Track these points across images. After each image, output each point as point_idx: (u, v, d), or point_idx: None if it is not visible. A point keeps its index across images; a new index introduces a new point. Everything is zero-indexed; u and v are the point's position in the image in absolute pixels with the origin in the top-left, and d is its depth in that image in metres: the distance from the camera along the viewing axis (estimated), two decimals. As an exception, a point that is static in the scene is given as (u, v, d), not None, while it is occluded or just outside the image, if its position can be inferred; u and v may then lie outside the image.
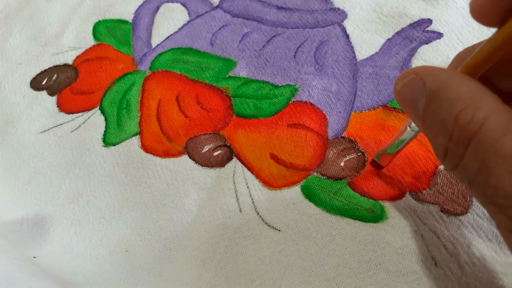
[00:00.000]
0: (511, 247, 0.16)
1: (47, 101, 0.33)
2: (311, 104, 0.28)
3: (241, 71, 0.31)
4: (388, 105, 0.28)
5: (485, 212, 0.22)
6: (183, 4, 0.36)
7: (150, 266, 0.25)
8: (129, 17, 0.36)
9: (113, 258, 0.26)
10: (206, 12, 0.35)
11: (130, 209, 0.27)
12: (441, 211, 0.23)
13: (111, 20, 0.36)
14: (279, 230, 0.24)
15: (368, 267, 0.22)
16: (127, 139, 0.30)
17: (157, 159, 0.28)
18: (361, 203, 0.24)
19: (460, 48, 0.28)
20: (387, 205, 0.24)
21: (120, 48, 0.34)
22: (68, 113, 0.32)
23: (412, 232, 0.23)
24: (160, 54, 0.33)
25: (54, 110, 0.32)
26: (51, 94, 0.33)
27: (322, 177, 0.25)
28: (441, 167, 0.24)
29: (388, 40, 0.30)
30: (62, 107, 0.32)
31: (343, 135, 0.27)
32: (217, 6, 0.35)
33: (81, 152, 0.30)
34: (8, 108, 0.33)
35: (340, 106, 0.28)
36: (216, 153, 0.28)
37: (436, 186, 0.24)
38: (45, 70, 0.35)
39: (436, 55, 0.29)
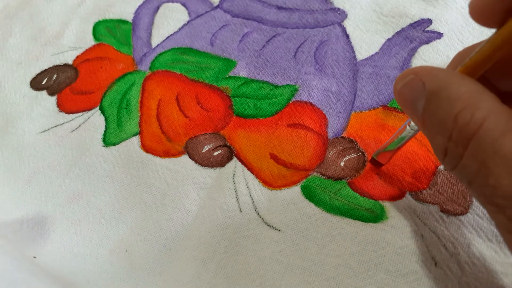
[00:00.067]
0: (510, 247, 0.16)
1: (47, 101, 0.33)
2: (311, 104, 0.28)
3: (241, 71, 0.31)
4: (388, 105, 0.28)
5: (485, 212, 0.22)
6: (183, 4, 0.36)
7: (150, 266, 0.25)
8: (129, 17, 0.36)
9: (113, 258, 0.26)
10: (206, 12, 0.35)
11: (130, 209, 0.27)
12: (441, 211, 0.23)
13: (111, 20, 0.36)
14: (279, 230, 0.24)
15: (368, 267, 0.22)
16: (127, 139, 0.30)
17: (157, 159, 0.28)
18: (361, 203, 0.24)
19: (460, 48, 0.28)
20: (387, 205, 0.24)
21: (120, 48, 0.34)
22: (68, 113, 0.32)
23: (412, 232, 0.23)
24: (160, 54, 0.33)
25: (54, 110, 0.32)
26: (51, 94, 0.33)
27: (322, 177, 0.25)
28: (441, 167, 0.24)
29: (388, 40, 0.30)
30: (62, 107, 0.32)
31: (343, 135, 0.27)
32: (217, 6, 0.35)
33: (81, 152, 0.30)
34: (8, 108, 0.33)
35: (340, 106, 0.28)
36: (216, 153, 0.28)
37: (436, 186, 0.24)
38: (45, 70, 0.35)
39: (436, 55, 0.29)
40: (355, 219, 0.23)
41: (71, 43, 0.36)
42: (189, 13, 0.35)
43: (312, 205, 0.24)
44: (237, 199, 0.26)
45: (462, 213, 0.23)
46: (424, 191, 0.24)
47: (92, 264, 0.26)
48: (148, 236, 0.26)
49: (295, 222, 0.24)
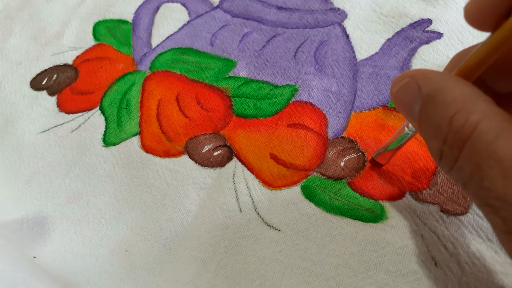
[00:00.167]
0: (505, 247, 0.16)
1: (47, 101, 0.33)
2: (311, 104, 0.28)
3: (241, 71, 0.31)
4: (388, 105, 0.28)
5: (485, 212, 0.22)
6: (183, 4, 0.36)
7: (150, 266, 0.25)
8: (129, 17, 0.36)
9: (113, 258, 0.26)
10: (206, 12, 0.35)
11: (130, 209, 0.27)
12: (441, 211, 0.23)
13: (111, 20, 0.36)
14: (279, 230, 0.24)
15: (368, 267, 0.22)
16: (127, 139, 0.30)
17: (157, 159, 0.28)
18: (361, 203, 0.24)
19: (460, 48, 0.28)
20: (387, 205, 0.24)
21: (120, 48, 0.34)
22: (68, 113, 0.32)
23: (412, 232, 0.23)
24: (160, 54, 0.33)
25: (54, 110, 0.32)
26: (51, 94, 0.33)
27: (322, 177, 0.25)
28: (441, 167, 0.24)
29: (388, 40, 0.30)
30: (62, 107, 0.32)
31: (343, 135, 0.27)
32: (217, 6, 0.35)
33: (81, 152, 0.30)
34: (8, 108, 0.33)
35: (340, 106, 0.28)
36: (216, 153, 0.28)
37: (436, 186, 0.24)
38: (45, 70, 0.35)
39: (436, 55, 0.29)
40: (355, 219, 0.23)
41: (71, 43, 0.36)
42: (189, 13, 0.35)
43: (312, 205, 0.24)
44: (237, 199, 0.26)
45: (462, 213, 0.23)
46: (424, 191, 0.24)
47: (92, 264, 0.26)
48: (148, 236, 0.26)
49: (295, 222, 0.24)
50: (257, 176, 0.26)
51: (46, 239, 0.27)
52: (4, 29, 0.38)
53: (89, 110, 0.32)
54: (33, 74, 0.35)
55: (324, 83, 0.29)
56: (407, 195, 0.24)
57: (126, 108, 0.31)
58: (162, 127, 0.30)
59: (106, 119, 0.31)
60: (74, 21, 0.37)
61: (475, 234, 0.22)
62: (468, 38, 0.29)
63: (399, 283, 0.21)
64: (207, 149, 0.28)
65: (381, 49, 0.30)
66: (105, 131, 0.30)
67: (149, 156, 0.29)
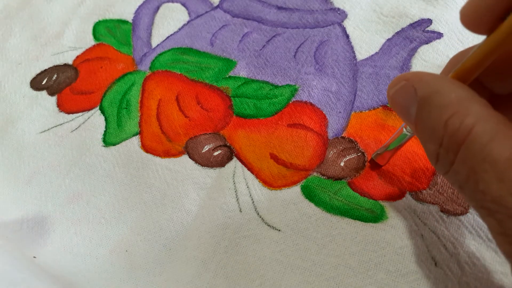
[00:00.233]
0: (501, 249, 0.16)
1: (47, 101, 0.33)
2: (311, 104, 0.28)
3: (241, 71, 0.31)
4: (388, 105, 0.28)
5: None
6: (183, 4, 0.36)
7: (150, 266, 0.25)
8: (129, 17, 0.36)
9: (113, 258, 0.26)
10: (206, 12, 0.35)
11: (130, 209, 0.27)
12: (441, 211, 0.23)
13: (111, 20, 0.36)
14: (279, 230, 0.24)
15: (368, 267, 0.22)
16: (127, 139, 0.30)
17: (157, 159, 0.28)
18: (361, 203, 0.24)
19: (460, 48, 0.28)
20: (387, 205, 0.24)
21: (120, 48, 0.34)
22: (68, 113, 0.32)
23: (412, 232, 0.23)
24: (160, 54, 0.33)
25: (54, 110, 0.32)
26: (51, 94, 0.33)
27: (322, 177, 0.25)
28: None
29: (388, 40, 0.30)
30: (62, 107, 0.32)
31: (343, 135, 0.27)
32: (217, 6, 0.35)
33: (81, 152, 0.30)
34: (8, 108, 0.33)
35: (340, 106, 0.28)
36: (216, 153, 0.28)
37: (436, 186, 0.24)
38: (45, 70, 0.35)
39: (436, 55, 0.29)
40: (355, 219, 0.23)
41: (71, 43, 0.36)
42: (189, 13, 0.35)
43: (312, 205, 0.24)
44: (237, 199, 0.26)
45: (462, 213, 0.23)
46: (424, 191, 0.24)
47: (92, 264, 0.26)
48: (148, 236, 0.26)
49: (295, 222, 0.24)
50: (257, 176, 0.26)
51: (46, 239, 0.27)
52: (4, 29, 0.38)
53: (89, 110, 0.32)
54: (33, 74, 0.35)
55: (324, 83, 0.29)
56: (407, 195, 0.24)
57: (126, 108, 0.31)
58: (162, 127, 0.30)
59: (106, 119, 0.31)
60: (74, 21, 0.37)
61: (475, 234, 0.22)
62: (468, 38, 0.29)
63: (399, 283, 0.21)
64: (207, 149, 0.28)
65: (381, 49, 0.30)
66: (105, 131, 0.30)
67: (149, 156, 0.29)
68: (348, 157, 0.26)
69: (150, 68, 0.33)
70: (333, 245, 0.23)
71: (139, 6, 0.36)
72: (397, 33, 0.30)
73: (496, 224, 0.15)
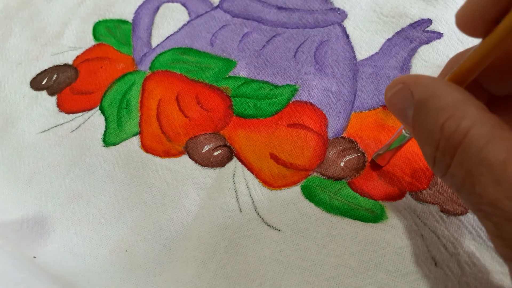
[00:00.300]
0: (498, 251, 0.16)
1: (47, 101, 0.33)
2: (311, 104, 0.28)
3: (241, 71, 0.31)
4: (388, 105, 0.28)
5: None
6: (183, 4, 0.36)
7: (150, 266, 0.25)
8: (129, 17, 0.36)
9: (113, 258, 0.26)
10: (206, 12, 0.35)
11: (130, 209, 0.27)
12: (441, 211, 0.23)
13: (111, 20, 0.36)
14: (279, 230, 0.24)
15: (368, 267, 0.22)
16: (127, 139, 0.30)
17: (157, 159, 0.28)
18: (361, 203, 0.24)
19: (460, 48, 0.28)
20: (387, 205, 0.24)
21: (120, 48, 0.34)
22: (68, 113, 0.32)
23: (412, 232, 0.23)
24: (160, 54, 0.33)
25: (54, 110, 0.32)
26: (51, 94, 0.33)
27: (322, 177, 0.25)
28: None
29: (388, 40, 0.30)
30: (62, 107, 0.32)
31: (343, 135, 0.27)
32: (217, 6, 0.35)
33: (81, 152, 0.30)
34: (8, 108, 0.33)
35: (340, 106, 0.28)
36: (216, 153, 0.28)
37: (436, 186, 0.24)
38: (45, 70, 0.35)
39: (436, 55, 0.29)
40: (355, 219, 0.23)
41: (71, 43, 0.36)
42: (189, 13, 0.35)
43: (312, 205, 0.24)
44: (237, 199, 0.26)
45: (462, 213, 0.23)
46: (424, 191, 0.24)
47: (92, 264, 0.26)
48: (148, 236, 0.26)
49: (295, 222, 0.24)
50: (257, 176, 0.26)
51: (46, 239, 0.27)
52: (4, 29, 0.38)
53: (89, 110, 0.32)
54: (33, 74, 0.35)
55: (324, 83, 0.29)
56: (407, 195, 0.24)
57: (126, 108, 0.31)
58: (162, 127, 0.30)
59: (106, 119, 0.31)
60: (74, 21, 0.37)
61: (475, 234, 0.22)
62: (468, 38, 0.29)
63: (399, 283, 0.21)
64: (207, 149, 0.28)
65: (381, 49, 0.30)
66: (105, 131, 0.30)
67: (149, 156, 0.29)
68: (348, 157, 0.26)
69: (150, 68, 0.33)
70: (333, 245, 0.23)
71: (139, 6, 0.36)
72: (397, 33, 0.30)
73: (493, 227, 0.15)
